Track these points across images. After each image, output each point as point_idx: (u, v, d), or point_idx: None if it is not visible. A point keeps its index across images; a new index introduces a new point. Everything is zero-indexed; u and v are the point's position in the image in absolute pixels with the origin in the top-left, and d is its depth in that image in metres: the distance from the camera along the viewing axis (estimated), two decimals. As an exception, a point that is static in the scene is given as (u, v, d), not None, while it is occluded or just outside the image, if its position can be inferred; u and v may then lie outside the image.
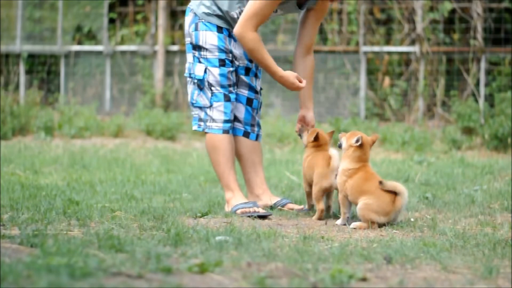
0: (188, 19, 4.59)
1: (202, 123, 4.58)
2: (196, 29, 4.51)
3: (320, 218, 4.36)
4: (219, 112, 4.52)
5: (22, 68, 12.05)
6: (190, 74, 4.58)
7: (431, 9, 10.81)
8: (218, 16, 4.51)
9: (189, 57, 4.59)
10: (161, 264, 2.91)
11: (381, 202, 4.10)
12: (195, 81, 4.54)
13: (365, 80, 10.85)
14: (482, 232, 3.90)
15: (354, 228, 4.10)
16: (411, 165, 7.26)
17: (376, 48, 10.94)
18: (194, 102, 4.57)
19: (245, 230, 3.83)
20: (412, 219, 4.32)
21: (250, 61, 4.64)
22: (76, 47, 12.01)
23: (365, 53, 10.92)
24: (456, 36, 10.90)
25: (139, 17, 12.17)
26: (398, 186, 4.16)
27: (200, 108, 4.56)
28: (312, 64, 4.68)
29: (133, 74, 11.83)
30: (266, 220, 4.32)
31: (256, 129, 4.73)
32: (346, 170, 4.26)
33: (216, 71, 4.49)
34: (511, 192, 5.29)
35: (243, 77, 4.64)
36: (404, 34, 10.93)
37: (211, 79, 4.50)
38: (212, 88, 4.50)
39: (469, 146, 9.22)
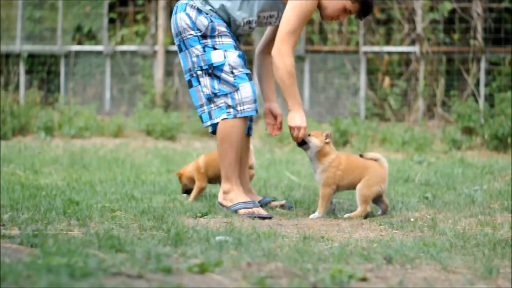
0: (191, 14, 4.51)
1: (231, 110, 4.45)
2: (211, 21, 4.47)
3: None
4: (246, 93, 4.44)
5: (22, 68, 12.05)
6: (201, 66, 4.49)
7: (431, 9, 10.82)
8: (223, 19, 4.53)
9: (196, 50, 4.49)
10: (161, 264, 2.91)
11: (377, 171, 4.38)
12: (210, 70, 4.46)
13: (365, 80, 10.85)
14: (482, 232, 3.90)
15: (349, 217, 4.33)
16: (411, 165, 7.26)
17: (376, 48, 10.94)
18: (217, 91, 4.45)
19: (245, 230, 3.83)
20: (412, 219, 4.32)
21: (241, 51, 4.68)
22: (76, 47, 12.01)
23: (365, 53, 10.92)
24: (456, 36, 10.91)
25: (139, 17, 12.18)
26: (376, 154, 4.49)
27: (226, 95, 4.45)
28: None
29: (133, 74, 11.83)
30: (266, 220, 4.32)
31: (248, 122, 4.69)
32: (333, 161, 4.46)
33: (235, 52, 4.47)
34: (511, 192, 5.29)
35: None
36: (404, 34, 10.94)
37: (232, 61, 4.44)
38: (234, 70, 4.44)
39: (469, 146, 9.22)
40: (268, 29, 4.77)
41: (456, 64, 10.66)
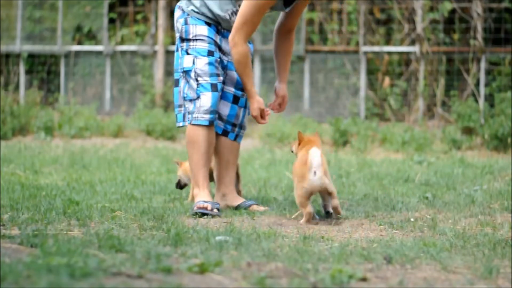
0: (176, 14, 4.66)
1: (189, 116, 4.55)
2: (186, 23, 4.56)
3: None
4: (205, 103, 4.50)
5: (22, 68, 12.05)
6: (179, 69, 4.61)
7: (431, 9, 10.82)
8: (207, 17, 4.57)
9: (179, 52, 4.63)
10: (161, 264, 2.91)
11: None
12: (184, 74, 4.56)
13: (365, 80, 10.85)
14: (482, 232, 3.90)
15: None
16: (411, 165, 7.26)
17: (376, 48, 10.94)
18: (185, 95, 4.56)
19: (245, 230, 3.83)
20: (412, 219, 4.32)
21: None
22: (76, 47, 12.01)
23: (365, 53, 10.92)
24: (456, 36, 10.91)
25: (139, 17, 12.17)
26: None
27: (190, 101, 4.54)
28: (293, 40, 4.79)
29: (133, 74, 11.83)
30: (266, 220, 4.32)
31: (236, 129, 4.72)
32: None
33: (204, 60, 4.51)
34: (511, 192, 5.29)
35: (233, 73, 4.66)
36: (404, 34, 10.94)
37: (198, 69, 4.50)
38: (199, 78, 4.50)
39: (469, 146, 9.22)
40: (284, 19, 4.75)
41: (456, 64, 10.66)
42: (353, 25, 11.15)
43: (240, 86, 4.68)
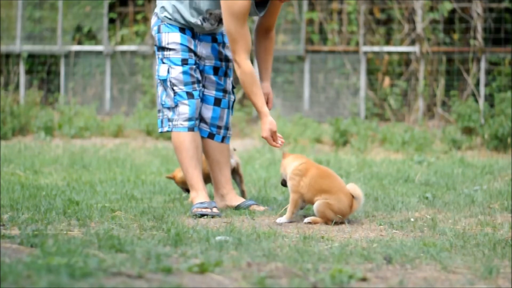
0: (152, 21, 4.67)
1: (170, 123, 4.60)
2: (158, 31, 4.58)
3: None
4: (183, 111, 4.54)
5: (22, 68, 12.05)
6: (156, 76, 4.65)
7: (431, 9, 10.82)
8: (180, 23, 4.57)
9: (157, 59, 4.66)
10: (161, 264, 2.91)
11: (341, 205, 4.17)
12: (161, 82, 4.59)
13: (365, 80, 10.85)
14: (482, 232, 3.91)
15: (309, 223, 4.17)
16: (411, 165, 7.26)
17: (376, 48, 10.94)
18: (163, 103, 4.60)
19: (245, 230, 3.83)
20: (412, 219, 4.32)
21: (219, 60, 4.68)
22: (76, 47, 12.00)
23: (365, 53, 10.92)
24: (456, 36, 10.91)
25: (139, 17, 12.17)
26: (357, 189, 4.21)
27: (168, 108, 4.58)
28: (273, 38, 4.70)
29: (133, 74, 11.83)
30: (266, 220, 4.32)
31: (222, 131, 4.72)
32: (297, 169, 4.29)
33: (178, 69, 4.52)
34: (511, 192, 5.29)
35: (211, 77, 4.67)
36: (404, 34, 10.94)
37: (173, 78, 4.52)
38: (175, 87, 4.53)
39: (469, 146, 9.22)
40: (261, 19, 4.68)
41: (456, 64, 10.66)
42: (353, 25, 11.15)
43: (222, 87, 4.69)
